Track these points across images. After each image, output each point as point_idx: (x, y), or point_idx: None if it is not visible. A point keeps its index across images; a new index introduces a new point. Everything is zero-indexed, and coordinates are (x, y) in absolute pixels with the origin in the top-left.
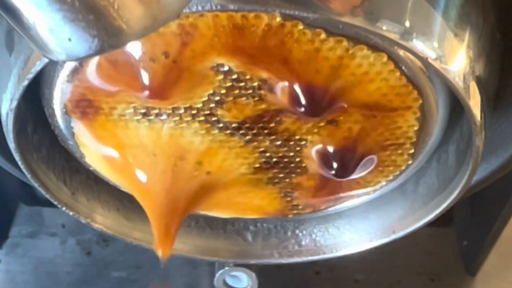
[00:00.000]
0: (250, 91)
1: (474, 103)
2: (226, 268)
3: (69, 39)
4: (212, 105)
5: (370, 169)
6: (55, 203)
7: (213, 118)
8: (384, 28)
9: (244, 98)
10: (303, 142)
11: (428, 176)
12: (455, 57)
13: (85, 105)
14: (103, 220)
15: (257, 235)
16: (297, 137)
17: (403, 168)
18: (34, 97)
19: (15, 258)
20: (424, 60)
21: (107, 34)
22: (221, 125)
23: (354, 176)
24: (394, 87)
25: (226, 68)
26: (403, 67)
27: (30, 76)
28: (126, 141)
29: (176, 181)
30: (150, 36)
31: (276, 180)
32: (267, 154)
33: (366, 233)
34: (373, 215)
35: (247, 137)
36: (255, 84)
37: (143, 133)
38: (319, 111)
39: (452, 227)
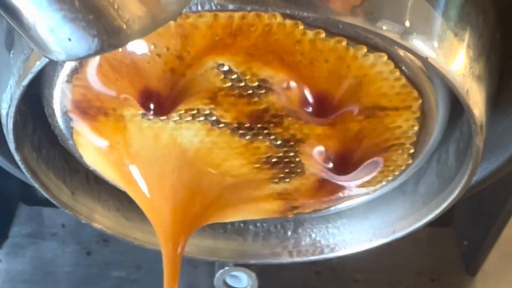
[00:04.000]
0: (250, 91)
1: (474, 103)
2: (226, 268)
3: (69, 39)
4: (212, 105)
5: (374, 173)
6: (55, 203)
7: (213, 118)
8: (384, 28)
9: (244, 98)
10: (303, 142)
11: (428, 176)
12: (455, 57)
13: (85, 105)
14: (103, 220)
15: (257, 235)
16: (297, 137)
17: (403, 168)
18: (34, 97)
19: (15, 258)
20: (424, 60)
21: (107, 34)
22: (221, 125)
23: (358, 180)
24: (394, 86)
25: (226, 68)
26: (403, 67)
27: (30, 76)
28: (126, 142)
29: (175, 181)
30: (149, 37)
31: (276, 180)
32: (267, 155)
33: (366, 233)
34: (373, 215)
35: (247, 137)
36: (255, 84)
37: (143, 133)
38: (321, 111)
39: (452, 227)
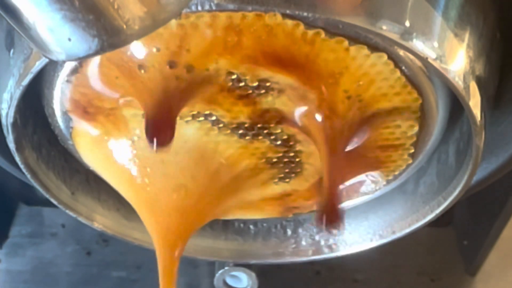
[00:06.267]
0: (250, 91)
1: (474, 103)
2: (226, 268)
3: (69, 39)
4: (212, 105)
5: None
6: (55, 203)
7: (213, 118)
8: (384, 28)
9: (244, 99)
10: (303, 142)
11: (428, 176)
12: (455, 57)
13: (85, 105)
14: (103, 220)
15: (257, 235)
16: (297, 137)
17: (403, 168)
18: (34, 97)
19: (15, 258)
20: (424, 60)
21: (107, 34)
22: (221, 125)
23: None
24: (394, 86)
25: (226, 68)
26: (403, 67)
27: (30, 76)
28: (126, 142)
29: (174, 181)
30: (149, 37)
31: (276, 180)
32: (267, 155)
33: (366, 233)
34: (373, 215)
35: (247, 137)
36: (255, 84)
37: (143, 133)
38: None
39: (452, 227)
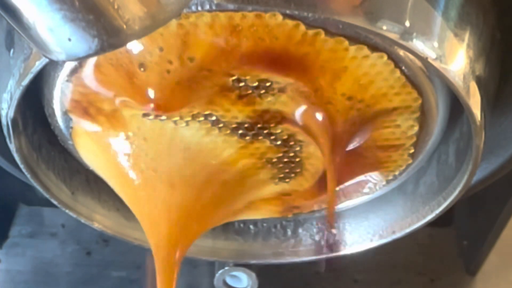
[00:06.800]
0: (250, 91)
1: (474, 103)
2: (226, 268)
3: (69, 39)
4: (212, 105)
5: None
6: (55, 203)
7: (213, 118)
8: (384, 28)
9: (244, 99)
10: (302, 142)
11: (428, 176)
12: (455, 57)
13: (85, 105)
14: (103, 220)
15: (257, 235)
16: (296, 137)
17: (403, 168)
18: (34, 97)
19: (15, 258)
20: (424, 60)
21: (107, 34)
22: (221, 125)
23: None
24: (394, 87)
25: (226, 68)
26: (403, 67)
27: (30, 76)
28: (125, 142)
29: (174, 181)
30: (149, 38)
31: (276, 180)
32: (267, 155)
33: (366, 233)
34: (373, 215)
35: (247, 138)
36: (255, 84)
37: (142, 133)
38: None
39: (452, 227)
